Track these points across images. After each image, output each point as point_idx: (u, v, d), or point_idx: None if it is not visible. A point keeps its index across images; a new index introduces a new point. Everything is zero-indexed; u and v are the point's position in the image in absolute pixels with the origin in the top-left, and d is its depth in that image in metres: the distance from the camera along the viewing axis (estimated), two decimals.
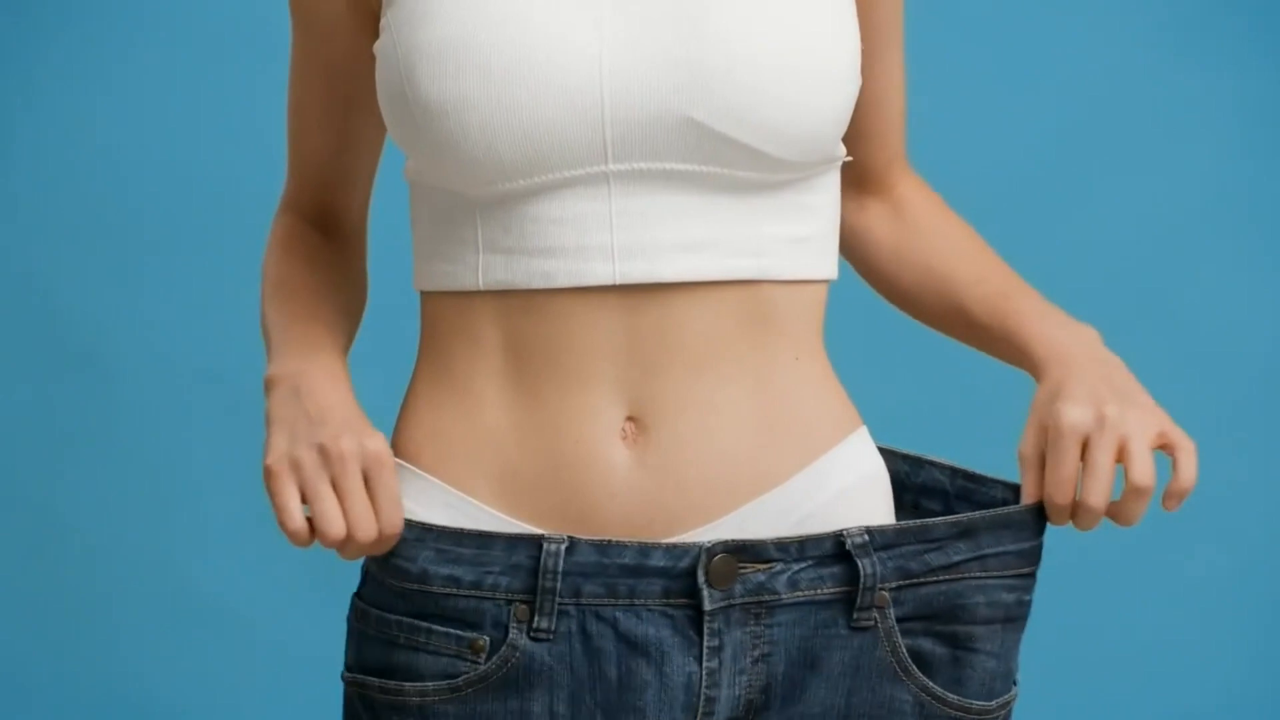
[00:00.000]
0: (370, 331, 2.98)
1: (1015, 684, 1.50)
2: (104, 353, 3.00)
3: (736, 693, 1.43)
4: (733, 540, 1.42)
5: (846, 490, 1.47)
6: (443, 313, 1.48)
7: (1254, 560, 3.02)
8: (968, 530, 1.44)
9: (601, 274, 1.42)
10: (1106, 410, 1.42)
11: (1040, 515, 1.46)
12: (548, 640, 1.42)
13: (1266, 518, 3.02)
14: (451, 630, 1.43)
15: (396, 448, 1.50)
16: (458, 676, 1.42)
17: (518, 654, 1.42)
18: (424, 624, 1.43)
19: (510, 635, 1.42)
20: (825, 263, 1.49)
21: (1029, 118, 3.00)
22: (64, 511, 3.03)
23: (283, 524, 1.37)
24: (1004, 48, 3.00)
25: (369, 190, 1.63)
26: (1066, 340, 1.50)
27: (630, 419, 1.44)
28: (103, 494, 2.99)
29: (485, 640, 1.42)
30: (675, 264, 1.43)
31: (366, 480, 1.39)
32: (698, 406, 1.44)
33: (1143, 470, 1.42)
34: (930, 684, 1.45)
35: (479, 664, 1.42)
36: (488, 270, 1.45)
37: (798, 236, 1.46)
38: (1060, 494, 1.43)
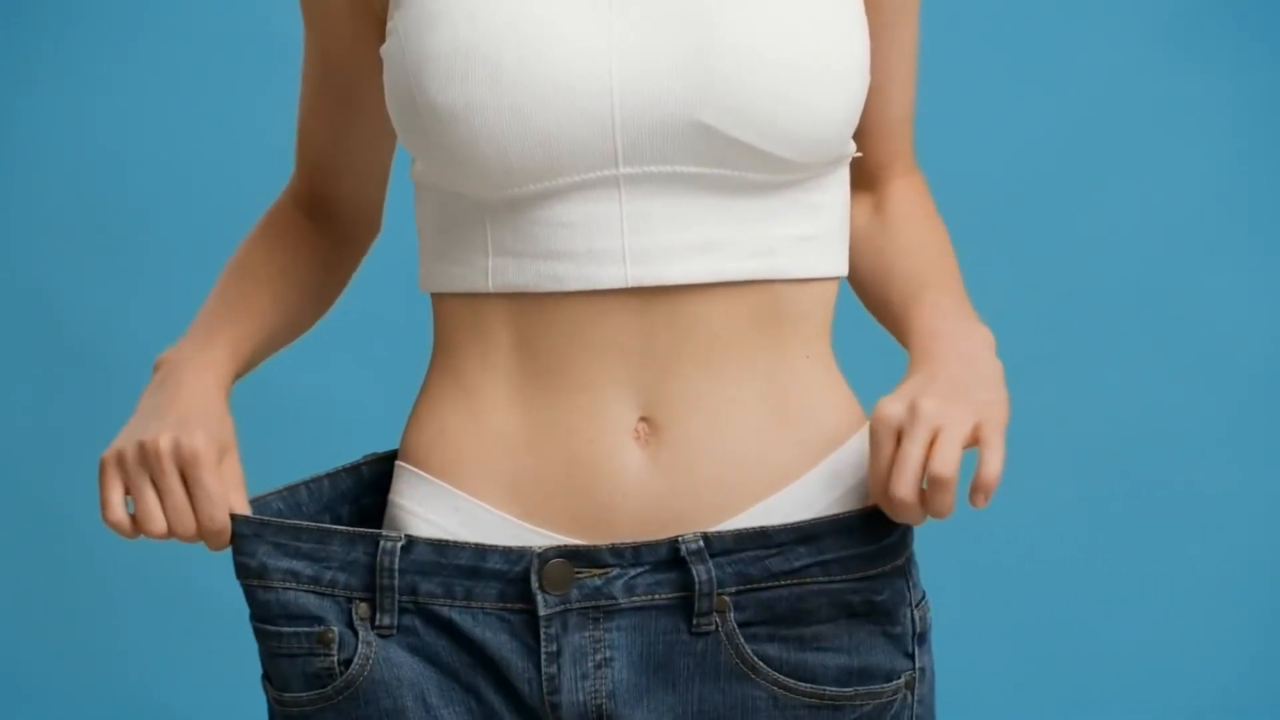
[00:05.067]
0: (378, 334, 2.99)
1: (894, 680, 1.46)
2: (104, 353, 3.00)
3: (581, 698, 1.43)
4: (567, 545, 1.42)
5: (858, 486, 1.46)
6: (452, 314, 1.48)
7: (1254, 560, 3.02)
8: (809, 535, 1.42)
9: (613, 277, 1.42)
10: (922, 403, 1.36)
11: (884, 517, 1.42)
12: (392, 635, 1.43)
13: (1266, 518, 3.02)
14: (300, 629, 1.43)
15: (404, 451, 1.50)
16: (325, 683, 1.43)
17: (374, 650, 1.43)
18: (272, 628, 1.44)
19: (361, 634, 1.43)
20: (835, 260, 1.49)
21: (1029, 118, 3.00)
22: (64, 511, 3.02)
23: (102, 516, 1.42)
24: (1004, 48, 3.00)
25: (375, 181, 1.61)
26: (944, 338, 1.45)
27: (643, 419, 1.44)
28: None
29: (334, 632, 1.43)
30: (686, 266, 1.42)
31: (185, 478, 1.41)
32: (710, 406, 1.44)
33: (941, 461, 1.34)
34: (780, 677, 1.43)
35: (331, 655, 1.43)
36: (497, 273, 1.45)
37: (807, 235, 1.46)
38: (875, 487, 1.39)
